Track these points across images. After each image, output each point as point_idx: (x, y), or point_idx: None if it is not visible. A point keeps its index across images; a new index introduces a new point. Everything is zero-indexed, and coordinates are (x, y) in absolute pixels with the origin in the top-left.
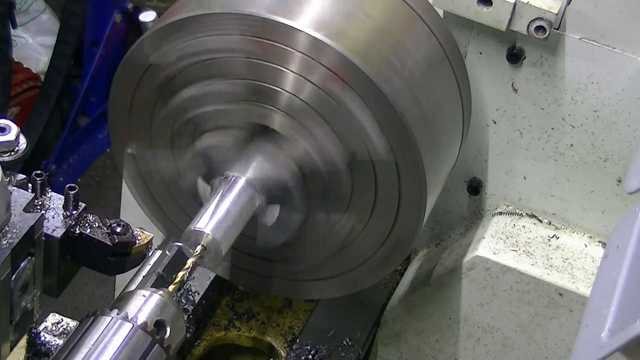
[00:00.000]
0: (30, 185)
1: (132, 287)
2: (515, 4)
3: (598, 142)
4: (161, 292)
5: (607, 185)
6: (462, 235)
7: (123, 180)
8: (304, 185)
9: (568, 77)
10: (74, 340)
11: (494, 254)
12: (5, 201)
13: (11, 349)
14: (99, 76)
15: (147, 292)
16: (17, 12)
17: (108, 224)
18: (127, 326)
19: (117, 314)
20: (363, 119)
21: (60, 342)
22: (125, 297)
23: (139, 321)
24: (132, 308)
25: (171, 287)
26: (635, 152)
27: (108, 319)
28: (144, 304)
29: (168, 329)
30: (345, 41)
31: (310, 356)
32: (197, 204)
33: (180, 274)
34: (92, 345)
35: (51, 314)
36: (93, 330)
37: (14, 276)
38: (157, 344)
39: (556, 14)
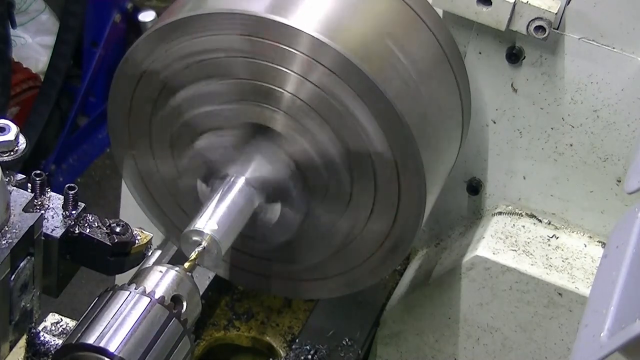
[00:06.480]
0: (29, 185)
1: None
2: (514, 4)
3: (598, 142)
4: (177, 268)
5: (607, 185)
6: (462, 235)
7: (123, 180)
8: (303, 183)
9: (568, 77)
10: (93, 313)
11: (494, 253)
12: (4, 201)
13: (10, 348)
14: (99, 76)
15: (163, 268)
16: (17, 12)
17: (107, 224)
18: (145, 300)
19: (135, 289)
20: (363, 119)
21: (60, 342)
22: (142, 273)
23: (157, 295)
24: (149, 283)
25: (186, 264)
26: (635, 152)
27: (126, 293)
28: (161, 279)
29: (185, 304)
30: (344, 41)
31: (309, 356)
32: (196, 204)
33: (194, 254)
34: (111, 318)
35: (50, 313)
36: (112, 304)
37: (13, 276)
38: (174, 318)
39: (555, 14)
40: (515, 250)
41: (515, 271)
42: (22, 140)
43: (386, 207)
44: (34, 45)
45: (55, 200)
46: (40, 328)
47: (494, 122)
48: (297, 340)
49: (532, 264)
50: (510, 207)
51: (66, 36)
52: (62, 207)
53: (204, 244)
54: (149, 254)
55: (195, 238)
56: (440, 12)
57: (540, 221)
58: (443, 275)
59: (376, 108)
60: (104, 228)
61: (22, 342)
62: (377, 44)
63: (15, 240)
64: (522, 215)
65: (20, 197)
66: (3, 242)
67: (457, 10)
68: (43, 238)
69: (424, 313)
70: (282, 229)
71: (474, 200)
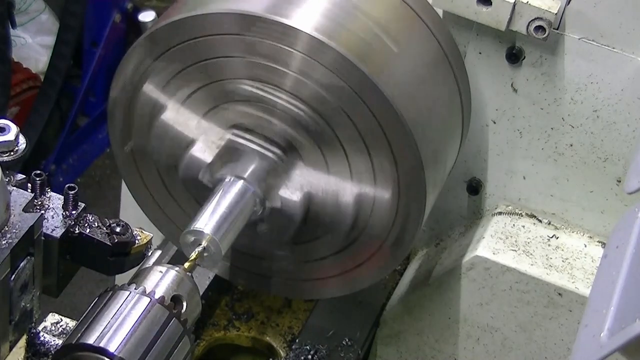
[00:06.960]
0: (29, 185)
1: None
2: (514, 4)
3: (598, 142)
4: (177, 268)
5: (607, 185)
6: (462, 235)
7: (123, 180)
8: (303, 174)
9: (567, 77)
10: (93, 313)
11: (494, 253)
12: (4, 201)
13: (10, 348)
14: (99, 76)
15: (163, 268)
16: (17, 12)
17: (107, 224)
18: (145, 300)
19: (135, 289)
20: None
21: (60, 342)
22: (142, 273)
23: (157, 295)
24: (149, 283)
25: (186, 264)
26: (635, 152)
27: (126, 293)
28: (161, 279)
29: (184, 304)
30: (344, 41)
31: (309, 356)
32: (196, 205)
33: (194, 254)
34: (112, 318)
35: (50, 313)
36: (112, 304)
37: (13, 276)
38: (174, 318)
39: (555, 14)
40: (515, 250)
41: (515, 271)
42: (22, 140)
43: (387, 207)
44: (34, 45)
45: (55, 200)
46: (40, 328)
47: (494, 122)
48: (297, 340)
49: (532, 264)
50: (510, 207)
51: (66, 36)
52: (62, 207)
53: (204, 244)
54: (149, 254)
55: (195, 238)
56: (440, 12)
57: (540, 221)
58: (443, 275)
59: (375, 108)
60: (104, 228)
61: (22, 342)
62: (376, 43)
63: (15, 240)
64: (522, 215)
65: (20, 197)
66: (3, 242)
67: (457, 10)
68: (43, 238)
69: (424, 313)
70: (288, 215)
71: (474, 200)
